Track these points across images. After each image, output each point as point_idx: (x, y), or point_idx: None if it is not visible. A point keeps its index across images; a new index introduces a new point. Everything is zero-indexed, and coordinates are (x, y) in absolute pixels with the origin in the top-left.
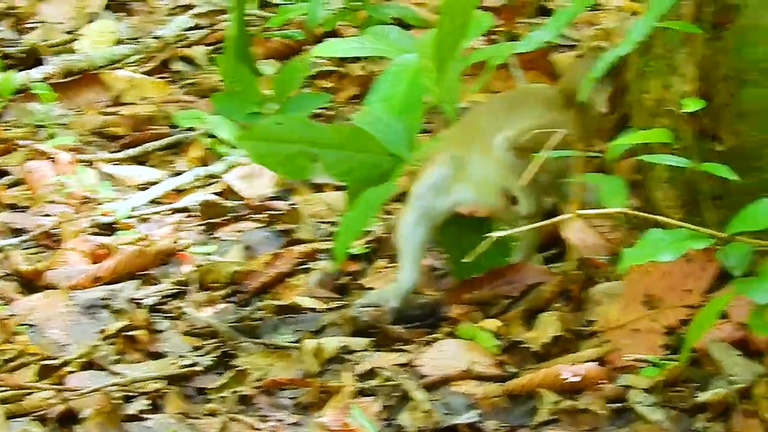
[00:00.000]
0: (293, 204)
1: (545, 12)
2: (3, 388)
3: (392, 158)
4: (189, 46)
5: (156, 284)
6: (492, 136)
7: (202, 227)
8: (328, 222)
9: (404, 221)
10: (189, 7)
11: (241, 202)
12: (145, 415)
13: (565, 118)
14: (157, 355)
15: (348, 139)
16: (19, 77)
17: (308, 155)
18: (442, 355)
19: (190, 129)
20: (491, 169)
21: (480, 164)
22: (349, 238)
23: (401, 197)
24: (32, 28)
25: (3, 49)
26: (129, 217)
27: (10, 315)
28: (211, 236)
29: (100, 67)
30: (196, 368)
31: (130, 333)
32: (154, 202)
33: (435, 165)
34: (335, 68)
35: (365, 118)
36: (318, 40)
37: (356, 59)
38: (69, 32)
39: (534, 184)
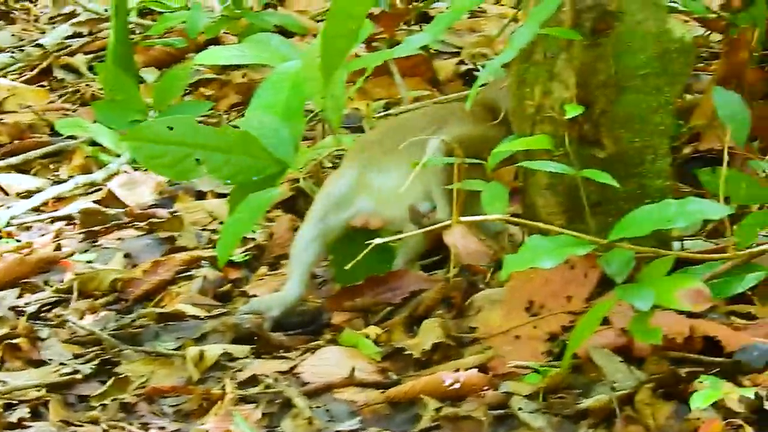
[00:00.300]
0: (175, 212)
1: (427, 19)
2: None
3: (277, 163)
4: (70, 54)
5: (37, 292)
6: (412, 149)
7: (84, 235)
8: (209, 230)
9: (302, 234)
10: (71, 15)
11: (122, 210)
12: (26, 423)
13: (490, 128)
14: (39, 363)
15: (234, 142)
16: None
17: (194, 158)
18: (323, 363)
19: (72, 137)
20: (399, 180)
21: (389, 176)
22: (232, 241)
23: (283, 204)
24: None
25: None
26: (9, 226)
27: None
28: (92, 244)
29: None
30: (78, 376)
31: (11, 341)
32: (35, 210)
33: (340, 176)
34: (217, 76)
35: (251, 123)
36: (200, 48)
37: (238, 67)
38: None
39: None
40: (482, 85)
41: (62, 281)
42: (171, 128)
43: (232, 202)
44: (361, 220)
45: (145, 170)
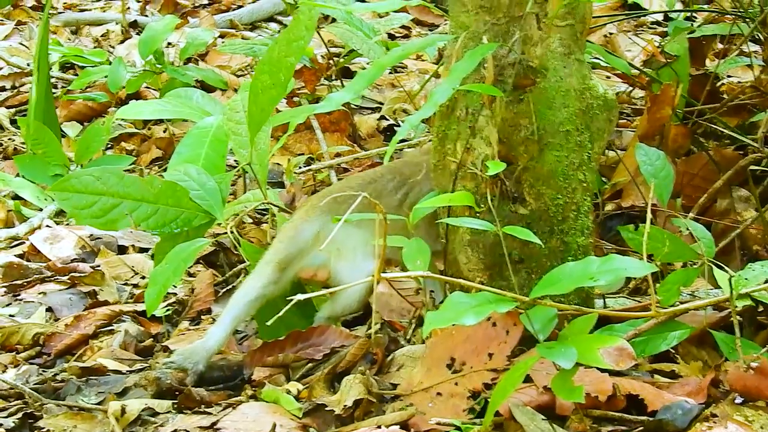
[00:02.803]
0: (96, 266)
1: (348, 74)
2: None
3: (204, 215)
4: None
5: None
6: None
7: (6, 289)
8: (131, 284)
9: (255, 279)
10: None
11: (44, 264)
12: None
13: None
14: None
15: (161, 193)
16: None
17: (122, 208)
18: (244, 418)
19: None
20: (360, 237)
21: (350, 231)
22: (160, 291)
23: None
24: None
25: None
26: None
27: None
28: (15, 298)
29: None
30: (0, 430)
31: None
32: None
33: (303, 225)
34: (138, 130)
35: (176, 174)
36: (121, 102)
37: (159, 122)
38: None
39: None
40: (401, 141)
41: None
42: (99, 178)
43: (158, 253)
44: (310, 271)
45: (68, 224)
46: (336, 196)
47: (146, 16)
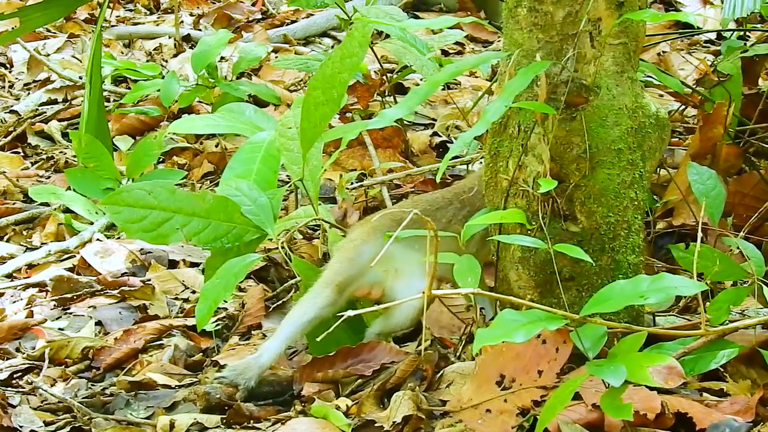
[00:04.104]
0: (147, 280)
1: (401, 90)
2: None
3: (256, 230)
4: (45, 121)
5: (9, 359)
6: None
7: (56, 302)
8: (181, 298)
9: (313, 299)
10: (45, 82)
11: (94, 277)
12: None
13: None
14: (10, 431)
15: (213, 208)
16: None
17: (173, 222)
18: None
19: (45, 204)
20: (419, 255)
21: (409, 251)
22: (211, 306)
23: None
24: None
25: None
26: None
27: None
28: (64, 311)
29: None
30: None
31: None
32: (8, 276)
33: (362, 245)
34: (190, 145)
35: (228, 189)
36: (173, 116)
37: (211, 136)
38: None
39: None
40: (455, 158)
41: (34, 348)
42: (150, 192)
43: (209, 267)
44: (366, 289)
45: (118, 238)
46: (397, 218)
47: (199, 30)
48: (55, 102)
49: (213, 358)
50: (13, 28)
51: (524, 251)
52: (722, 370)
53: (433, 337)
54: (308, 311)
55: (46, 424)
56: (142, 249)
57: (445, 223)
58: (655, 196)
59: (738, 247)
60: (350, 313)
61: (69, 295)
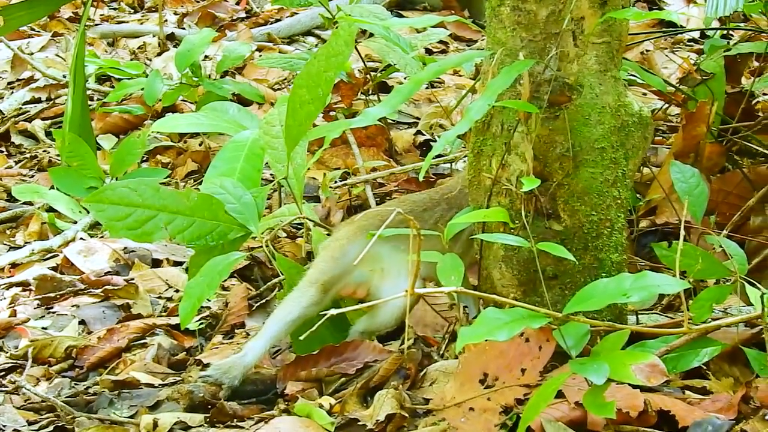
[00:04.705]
0: (130, 279)
1: (385, 89)
2: None
3: (240, 228)
4: (28, 120)
5: None
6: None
7: (39, 301)
8: (164, 297)
9: (298, 298)
10: (29, 81)
11: (78, 276)
12: None
13: None
14: None
15: (197, 206)
16: None
17: (158, 220)
18: None
19: (28, 203)
20: (405, 256)
21: (395, 251)
22: (194, 304)
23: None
24: None
25: None
26: None
27: None
28: (48, 310)
29: None
30: None
31: None
32: None
33: (347, 244)
34: (174, 144)
35: (212, 187)
36: (157, 115)
37: (195, 135)
38: None
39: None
40: (438, 156)
41: (17, 347)
42: (135, 190)
43: (193, 266)
44: (350, 288)
45: (102, 237)
46: (385, 218)
47: (184, 29)
48: (38, 101)
49: (196, 357)
50: None
51: (507, 250)
52: (705, 368)
53: (417, 335)
54: (293, 310)
55: (30, 423)
56: (125, 248)
57: (432, 223)
58: (638, 195)
59: (721, 246)
60: (333, 311)
61: (52, 294)
